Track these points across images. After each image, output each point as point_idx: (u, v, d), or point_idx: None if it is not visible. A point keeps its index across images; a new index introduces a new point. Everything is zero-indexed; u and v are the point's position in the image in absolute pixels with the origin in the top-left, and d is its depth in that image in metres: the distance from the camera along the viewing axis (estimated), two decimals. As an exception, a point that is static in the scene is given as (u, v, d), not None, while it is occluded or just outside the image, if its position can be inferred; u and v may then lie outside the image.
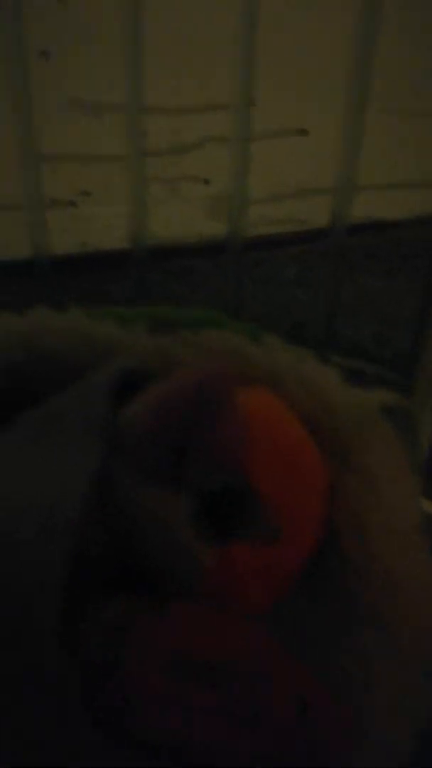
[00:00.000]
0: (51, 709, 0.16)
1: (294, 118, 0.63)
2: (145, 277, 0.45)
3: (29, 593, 0.17)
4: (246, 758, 0.17)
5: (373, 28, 0.39)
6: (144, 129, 0.43)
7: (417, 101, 0.66)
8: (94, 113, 0.58)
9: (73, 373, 0.24)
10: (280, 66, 0.60)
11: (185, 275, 0.64)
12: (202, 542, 0.20)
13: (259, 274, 0.64)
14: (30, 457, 0.20)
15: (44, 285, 0.45)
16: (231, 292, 0.46)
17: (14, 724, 0.16)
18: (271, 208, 0.67)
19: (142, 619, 0.18)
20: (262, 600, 0.20)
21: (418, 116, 0.66)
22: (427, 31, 0.61)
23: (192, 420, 0.20)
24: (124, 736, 0.17)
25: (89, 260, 0.63)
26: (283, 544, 0.21)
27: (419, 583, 0.21)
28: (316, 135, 0.65)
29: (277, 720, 0.17)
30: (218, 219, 0.65)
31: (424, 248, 0.62)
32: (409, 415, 0.26)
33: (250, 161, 0.44)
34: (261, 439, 0.21)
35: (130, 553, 0.20)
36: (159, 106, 0.59)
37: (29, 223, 0.43)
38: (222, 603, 0.20)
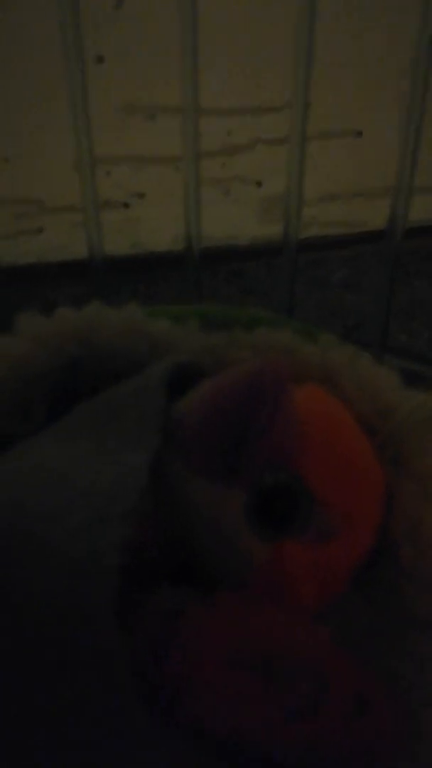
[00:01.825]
0: (103, 691, 0.16)
1: (348, 119, 0.63)
2: (199, 279, 0.45)
3: (85, 578, 0.17)
4: (299, 750, 0.16)
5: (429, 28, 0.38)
6: (198, 130, 0.43)
7: None
8: (147, 116, 0.59)
9: (129, 367, 0.24)
10: (335, 67, 0.59)
11: (237, 277, 0.64)
12: (254, 538, 0.20)
13: (310, 276, 0.63)
14: (85, 446, 0.21)
15: (99, 285, 0.45)
16: (284, 293, 0.45)
17: (67, 703, 0.16)
18: (323, 210, 0.67)
19: (194, 608, 0.18)
20: (312, 598, 0.20)
21: None
22: None
23: (246, 414, 0.20)
24: (175, 723, 0.17)
25: (141, 261, 0.64)
26: (336, 543, 0.20)
27: None
28: (370, 136, 0.64)
29: (333, 715, 0.17)
30: (270, 221, 0.65)
31: None
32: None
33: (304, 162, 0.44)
34: (316, 436, 0.21)
35: (182, 546, 0.20)
36: (212, 107, 0.59)
37: (85, 224, 0.43)
38: (272, 600, 0.19)
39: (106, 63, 0.57)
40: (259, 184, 0.64)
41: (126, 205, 0.63)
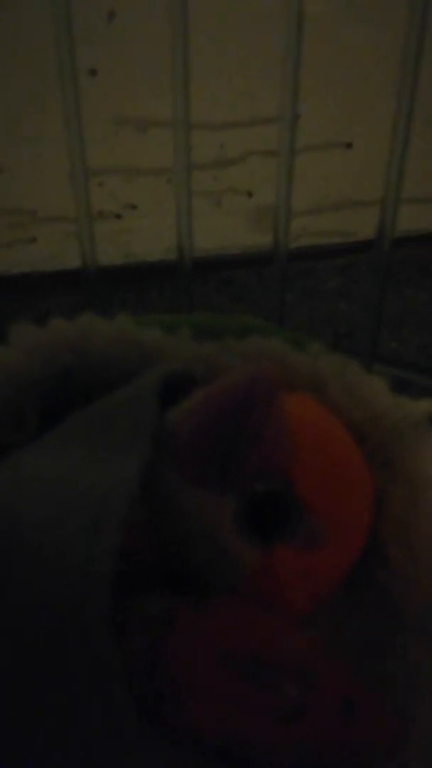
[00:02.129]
0: (98, 696, 0.16)
1: (339, 131, 0.64)
2: (191, 289, 0.46)
3: (78, 585, 0.17)
4: (289, 754, 0.17)
5: (421, 41, 0.39)
6: (190, 143, 0.43)
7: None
8: (139, 128, 0.60)
9: (121, 377, 0.24)
10: (325, 79, 0.60)
11: (227, 286, 0.64)
12: (245, 545, 0.20)
13: (302, 285, 0.64)
14: (77, 456, 0.21)
15: (91, 295, 0.46)
16: (274, 302, 0.46)
17: (63, 708, 0.16)
18: (315, 220, 0.67)
19: (187, 613, 0.19)
20: (303, 603, 0.20)
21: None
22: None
23: (237, 423, 0.20)
24: (171, 727, 0.17)
25: (133, 271, 0.64)
26: (326, 549, 0.21)
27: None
28: (361, 148, 0.65)
29: (323, 718, 0.17)
30: (260, 231, 0.66)
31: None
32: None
33: (294, 173, 0.44)
34: (306, 445, 0.21)
35: (176, 552, 0.20)
36: (205, 121, 0.60)
37: (78, 234, 0.44)
38: (264, 605, 0.20)
39: (99, 76, 0.57)
40: (250, 194, 0.65)
41: (119, 216, 0.64)
